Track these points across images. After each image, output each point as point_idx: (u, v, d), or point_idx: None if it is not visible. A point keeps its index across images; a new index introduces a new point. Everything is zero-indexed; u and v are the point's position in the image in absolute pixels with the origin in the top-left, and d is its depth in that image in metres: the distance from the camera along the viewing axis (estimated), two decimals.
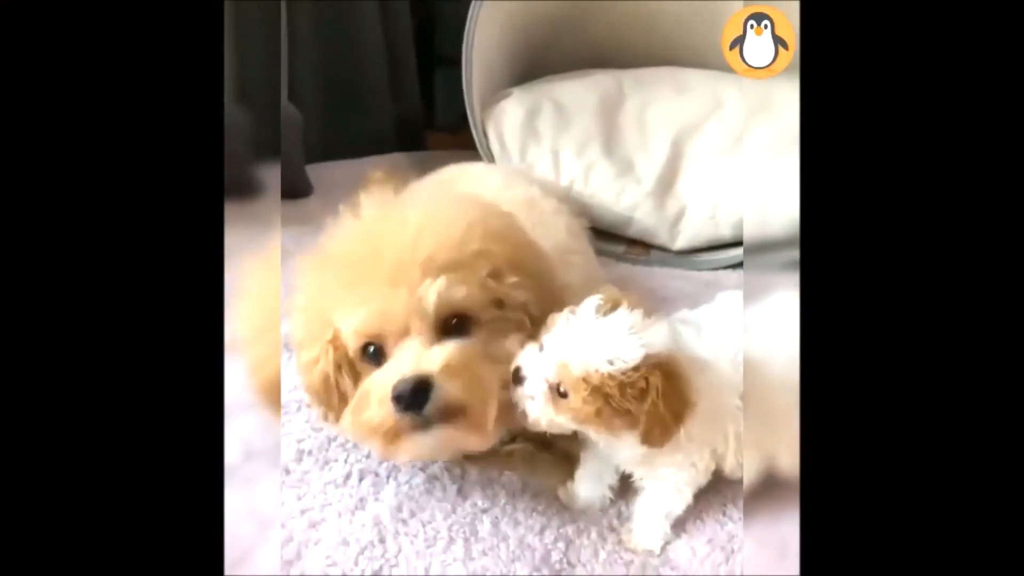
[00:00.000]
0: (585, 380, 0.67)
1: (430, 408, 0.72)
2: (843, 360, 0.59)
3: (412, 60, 1.85)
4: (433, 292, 0.74)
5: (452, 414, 0.73)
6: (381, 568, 0.78)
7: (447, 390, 0.72)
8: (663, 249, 1.37)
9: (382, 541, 0.80)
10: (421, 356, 0.73)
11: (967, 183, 0.57)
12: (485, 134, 1.44)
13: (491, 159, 1.45)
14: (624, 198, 1.36)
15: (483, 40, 1.42)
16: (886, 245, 0.58)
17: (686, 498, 0.78)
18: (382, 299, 0.74)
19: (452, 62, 1.86)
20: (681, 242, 1.36)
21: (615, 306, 0.70)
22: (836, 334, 0.59)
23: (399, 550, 0.79)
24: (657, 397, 0.67)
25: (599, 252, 1.20)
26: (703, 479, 0.78)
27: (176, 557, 0.59)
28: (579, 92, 1.48)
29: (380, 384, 0.74)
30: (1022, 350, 0.57)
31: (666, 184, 1.36)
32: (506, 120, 1.43)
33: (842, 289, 0.59)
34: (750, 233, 1.12)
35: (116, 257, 0.60)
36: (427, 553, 0.79)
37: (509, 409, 0.74)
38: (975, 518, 0.56)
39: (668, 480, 0.77)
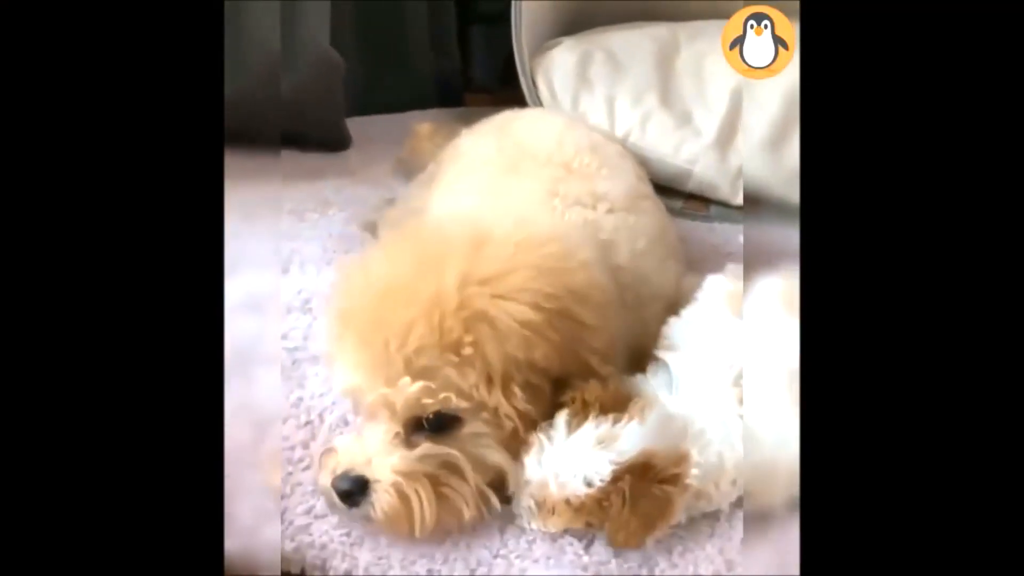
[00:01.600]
0: (567, 502, 0.69)
1: (365, 508, 0.71)
2: (844, 362, 0.57)
3: (452, 14, 1.78)
4: (404, 396, 0.70)
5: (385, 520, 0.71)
6: None
7: (382, 502, 0.70)
8: (724, 204, 1.31)
9: None
10: (371, 455, 0.71)
11: (968, 184, 0.56)
12: (534, 83, 1.37)
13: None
14: (684, 150, 1.29)
15: None
16: (888, 246, 0.56)
17: None
18: (361, 376, 0.73)
19: (489, 19, 1.79)
20: (743, 197, 1.29)
21: (585, 414, 0.71)
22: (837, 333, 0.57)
23: None
24: (623, 506, 0.68)
25: None
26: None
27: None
28: (632, 42, 1.40)
29: (336, 455, 0.73)
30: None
31: (727, 136, 1.30)
32: (556, 68, 1.37)
33: (843, 284, 0.57)
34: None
35: (109, 212, 0.57)
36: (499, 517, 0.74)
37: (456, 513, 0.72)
38: (977, 518, 0.55)
39: None
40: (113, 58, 0.58)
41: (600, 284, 0.77)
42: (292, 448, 0.79)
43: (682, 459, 0.70)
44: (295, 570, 0.73)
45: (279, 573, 0.71)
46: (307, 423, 0.82)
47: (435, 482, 0.71)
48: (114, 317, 0.56)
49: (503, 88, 1.68)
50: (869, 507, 0.55)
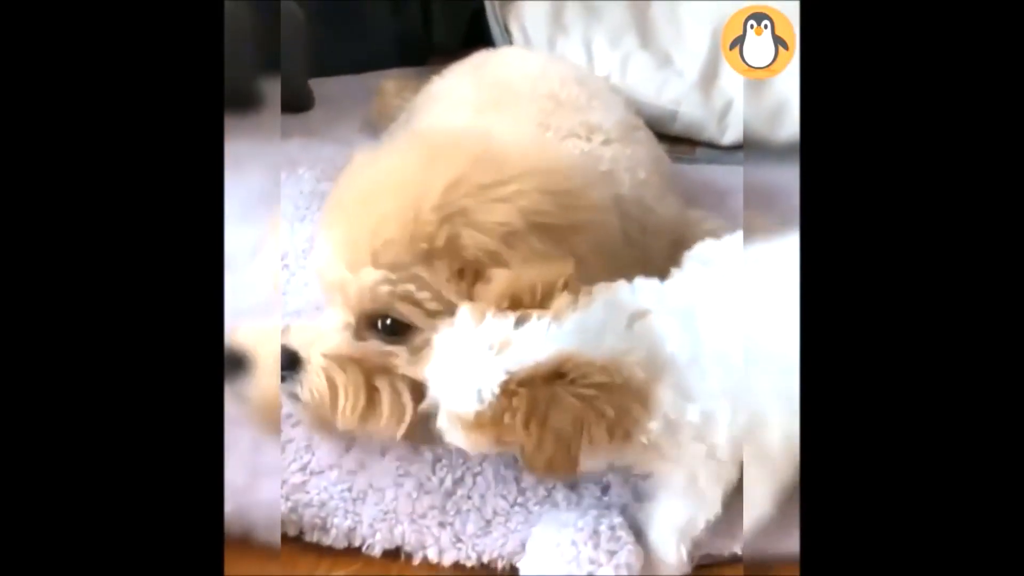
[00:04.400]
0: (461, 418, 0.57)
1: (293, 386, 0.66)
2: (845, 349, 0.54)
3: None
4: (359, 284, 0.65)
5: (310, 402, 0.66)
6: (463, 476, 0.68)
7: (310, 383, 0.66)
8: (710, 145, 1.27)
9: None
10: (313, 334, 0.67)
11: (968, 186, 0.54)
12: (507, 30, 1.32)
13: None
14: (667, 91, 1.25)
15: None
16: (888, 248, 0.54)
17: (713, 504, 0.63)
18: (330, 261, 0.68)
19: None
20: (730, 136, 1.26)
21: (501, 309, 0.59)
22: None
23: (484, 457, 0.69)
24: (526, 424, 0.55)
25: None
26: (732, 473, 0.62)
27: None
28: None
29: (288, 334, 0.68)
30: None
31: (710, 75, 1.26)
32: (528, 14, 1.33)
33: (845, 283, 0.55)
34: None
35: (110, 173, 0.53)
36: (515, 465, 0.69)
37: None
38: (978, 511, 0.52)
39: (683, 475, 0.62)
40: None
41: (606, 227, 0.72)
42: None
43: (610, 368, 0.56)
44: (292, 532, 0.67)
45: (279, 534, 0.65)
46: None
47: (367, 378, 0.66)
48: (109, 282, 0.52)
49: (466, 49, 1.62)
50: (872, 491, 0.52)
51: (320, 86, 1.45)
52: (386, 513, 0.66)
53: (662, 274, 0.80)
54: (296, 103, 1.38)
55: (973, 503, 0.51)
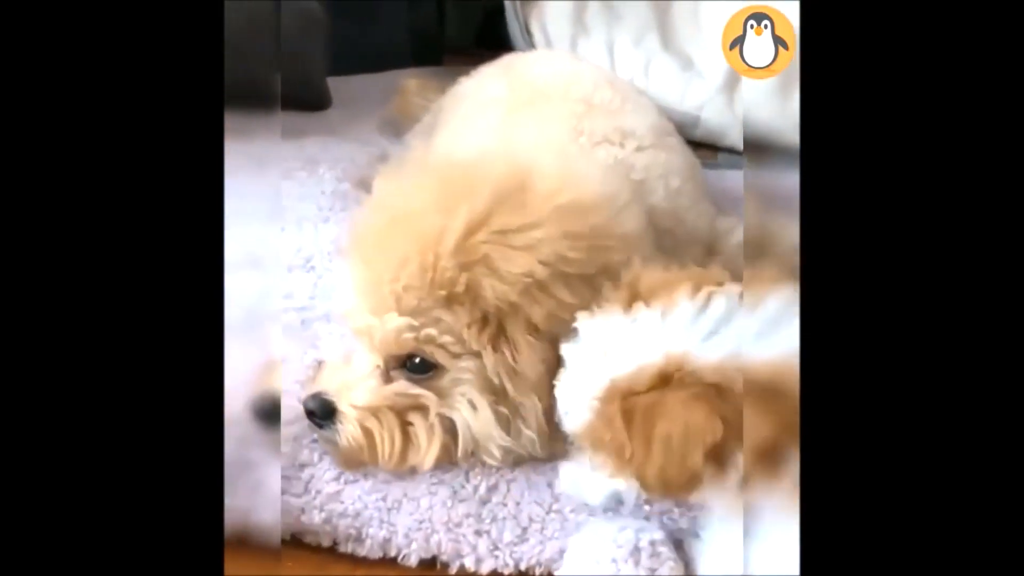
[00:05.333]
0: (576, 436, 0.57)
1: (331, 434, 0.68)
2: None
3: None
4: (383, 330, 0.66)
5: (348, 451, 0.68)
6: (497, 483, 0.68)
7: (347, 433, 0.67)
8: (732, 151, 1.26)
9: None
10: (346, 382, 0.68)
11: (969, 187, 0.53)
12: (528, 30, 1.31)
13: None
14: (690, 95, 1.24)
15: None
16: (889, 250, 0.54)
17: None
18: (354, 300, 0.69)
19: None
20: None
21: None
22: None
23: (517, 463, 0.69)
24: (628, 436, 0.52)
25: None
26: None
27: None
28: None
29: (322, 372, 0.72)
30: None
31: (733, 80, 1.25)
32: (549, 14, 1.32)
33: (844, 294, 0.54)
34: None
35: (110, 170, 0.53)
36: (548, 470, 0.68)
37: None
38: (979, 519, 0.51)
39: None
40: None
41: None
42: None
43: (726, 369, 0.50)
44: (326, 542, 0.67)
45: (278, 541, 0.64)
46: None
47: (401, 417, 0.67)
48: (112, 279, 0.52)
49: (479, 48, 1.61)
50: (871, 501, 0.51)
51: (336, 85, 1.44)
52: (421, 522, 0.66)
53: None
54: (314, 102, 1.37)
55: (971, 514, 0.51)
